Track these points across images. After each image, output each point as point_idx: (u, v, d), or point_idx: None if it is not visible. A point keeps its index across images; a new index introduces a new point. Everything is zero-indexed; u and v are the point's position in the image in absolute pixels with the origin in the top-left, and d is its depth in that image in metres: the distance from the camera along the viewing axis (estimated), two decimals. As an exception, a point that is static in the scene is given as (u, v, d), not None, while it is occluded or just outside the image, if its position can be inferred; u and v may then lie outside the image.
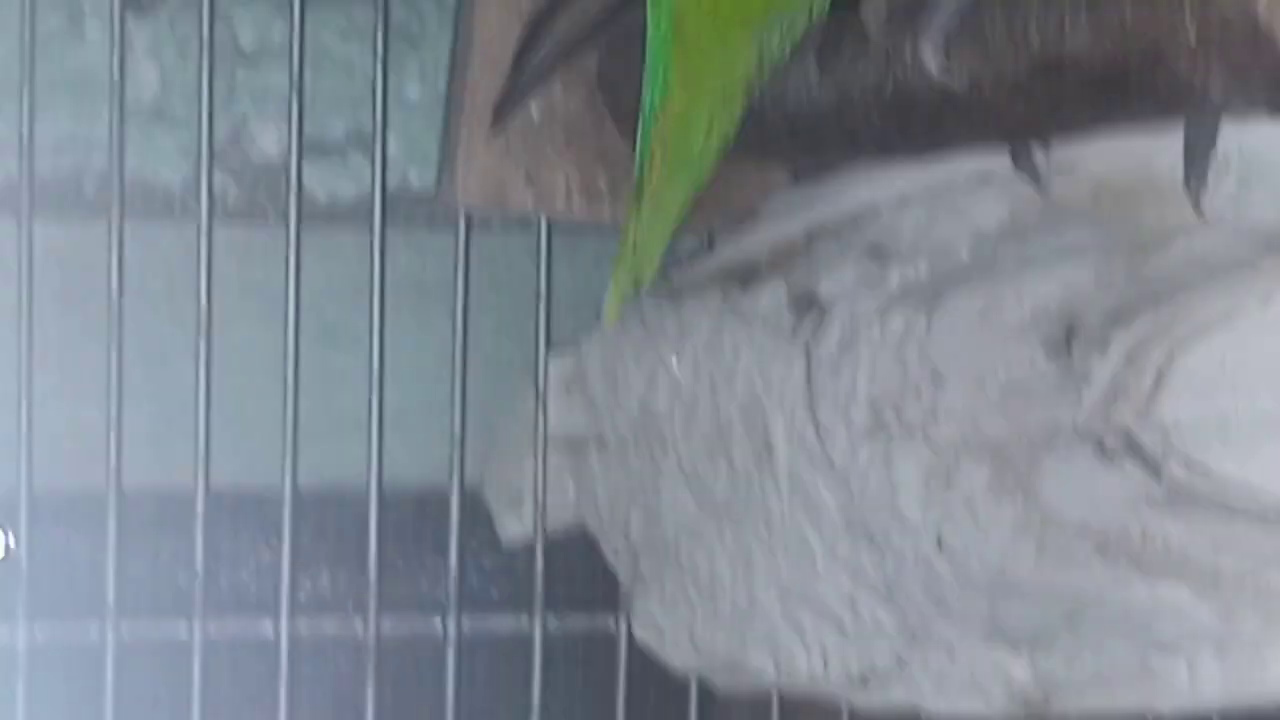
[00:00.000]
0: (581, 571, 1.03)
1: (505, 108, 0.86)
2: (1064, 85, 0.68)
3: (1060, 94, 0.69)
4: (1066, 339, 0.73)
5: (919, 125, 0.74)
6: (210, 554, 0.90)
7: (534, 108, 0.87)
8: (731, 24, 0.73)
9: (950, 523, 0.76)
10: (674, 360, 0.88)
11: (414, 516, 1.00)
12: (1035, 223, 0.76)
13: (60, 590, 0.96)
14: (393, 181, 1.00)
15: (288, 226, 0.90)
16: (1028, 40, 0.67)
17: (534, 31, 0.84)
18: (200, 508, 0.90)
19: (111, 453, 0.88)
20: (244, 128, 1.00)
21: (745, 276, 0.89)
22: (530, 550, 0.98)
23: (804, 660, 0.86)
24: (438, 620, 0.97)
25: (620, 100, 0.87)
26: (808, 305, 0.85)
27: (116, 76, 0.89)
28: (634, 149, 0.74)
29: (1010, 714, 0.80)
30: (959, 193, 0.79)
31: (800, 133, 0.78)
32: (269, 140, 0.99)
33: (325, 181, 1.00)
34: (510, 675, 1.02)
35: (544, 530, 0.98)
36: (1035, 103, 0.70)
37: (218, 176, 0.94)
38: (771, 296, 0.85)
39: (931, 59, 0.71)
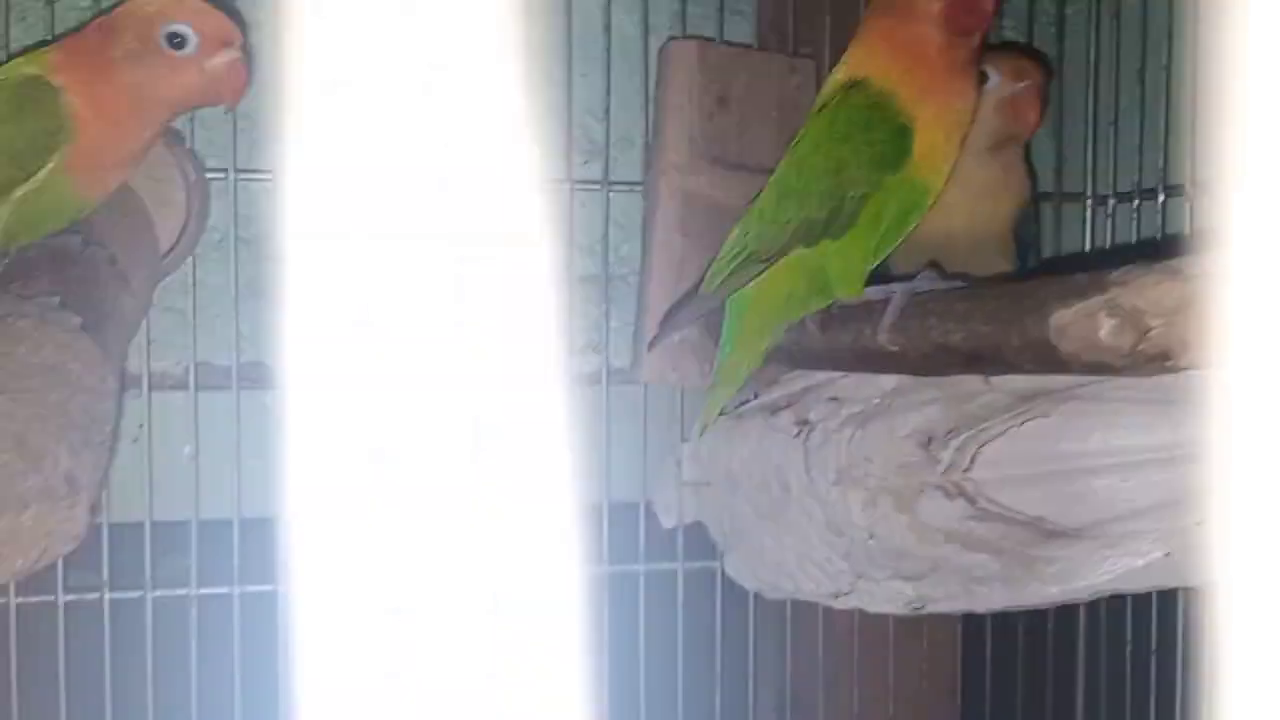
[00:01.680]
0: (699, 541, 1.24)
1: (655, 342, 1.08)
2: (949, 357, 0.87)
3: (948, 361, 0.88)
4: (929, 441, 1.03)
5: (871, 364, 0.98)
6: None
7: (679, 335, 1.07)
8: (770, 321, 0.97)
9: (876, 525, 1.06)
10: (737, 449, 1.14)
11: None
12: (913, 385, 1.05)
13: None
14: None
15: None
16: (929, 334, 0.88)
17: (675, 307, 1.11)
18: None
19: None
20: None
21: (774, 409, 1.13)
22: (678, 529, 1.20)
23: (808, 585, 1.12)
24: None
25: (715, 338, 1.07)
26: (804, 423, 1.11)
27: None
28: (716, 358, 1.03)
29: (909, 612, 1.07)
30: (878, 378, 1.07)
31: (802, 357, 1.04)
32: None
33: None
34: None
35: (684, 523, 1.21)
36: (934, 363, 0.90)
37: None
38: (786, 418, 1.11)
39: (884, 336, 0.92)
